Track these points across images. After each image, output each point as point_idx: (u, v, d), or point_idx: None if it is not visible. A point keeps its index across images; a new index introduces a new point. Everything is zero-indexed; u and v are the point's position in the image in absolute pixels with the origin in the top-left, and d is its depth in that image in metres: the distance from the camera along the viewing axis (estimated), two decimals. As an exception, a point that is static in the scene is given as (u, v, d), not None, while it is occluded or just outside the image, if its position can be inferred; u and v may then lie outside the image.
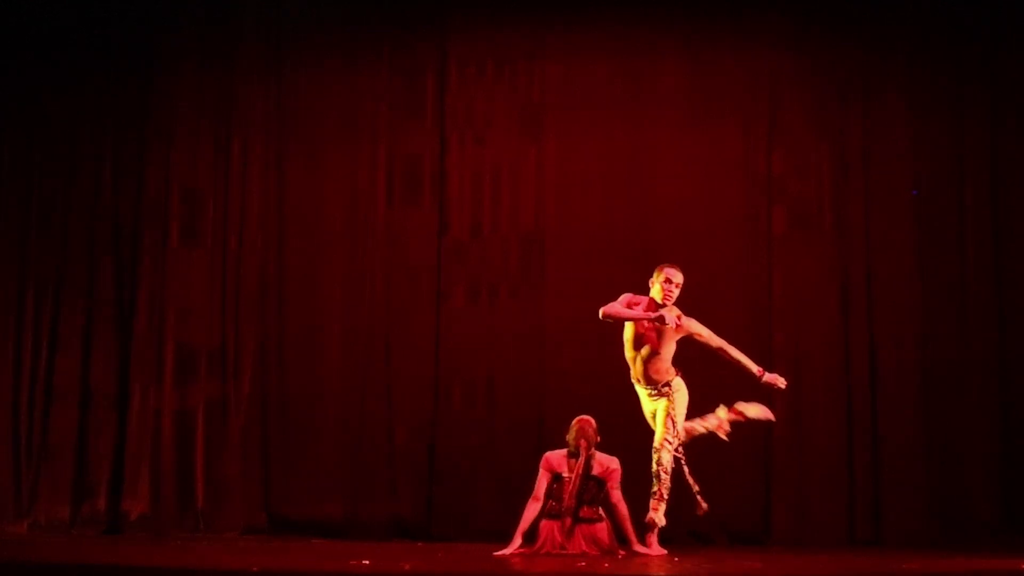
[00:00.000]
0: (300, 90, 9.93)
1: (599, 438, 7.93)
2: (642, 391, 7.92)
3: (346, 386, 9.69)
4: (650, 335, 7.83)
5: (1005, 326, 9.12)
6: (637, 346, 7.87)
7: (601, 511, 7.88)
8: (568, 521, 7.79)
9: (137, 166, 9.94)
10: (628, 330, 7.90)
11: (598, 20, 9.66)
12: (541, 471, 7.90)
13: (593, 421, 7.95)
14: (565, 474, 7.85)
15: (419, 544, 8.90)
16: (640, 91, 9.61)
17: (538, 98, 9.71)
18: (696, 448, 8.67)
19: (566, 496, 7.81)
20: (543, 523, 7.84)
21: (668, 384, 7.82)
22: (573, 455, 7.90)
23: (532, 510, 7.84)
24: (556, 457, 7.94)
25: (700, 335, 7.87)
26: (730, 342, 7.99)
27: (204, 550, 8.18)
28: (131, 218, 9.92)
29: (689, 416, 7.89)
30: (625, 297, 7.88)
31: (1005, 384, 9.08)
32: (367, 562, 7.17)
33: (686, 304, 9.30)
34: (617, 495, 7.89)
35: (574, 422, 7.97)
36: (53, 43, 10.03)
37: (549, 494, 7.86)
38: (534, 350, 9.49)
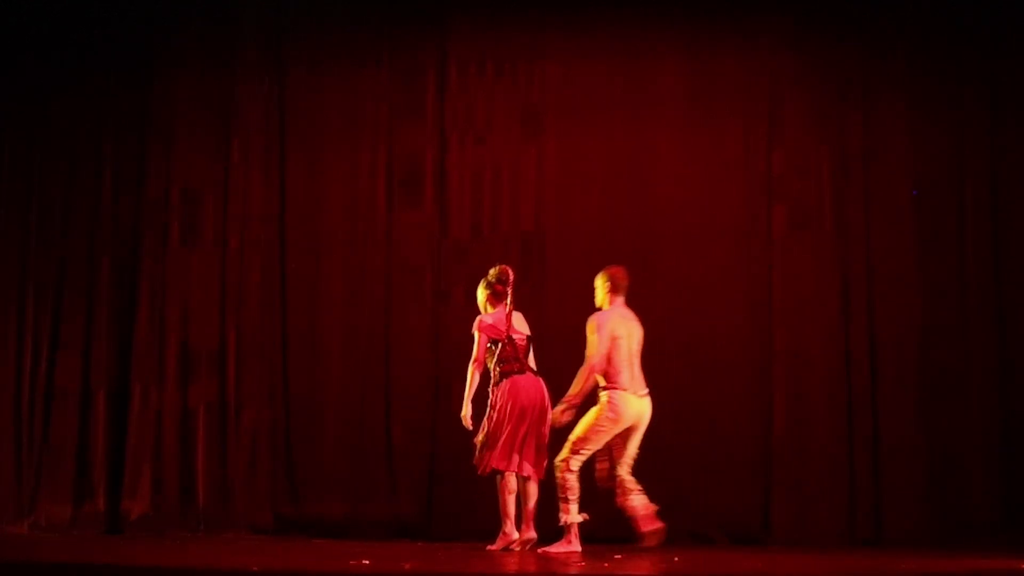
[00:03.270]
0: (300, 90, 9.94)
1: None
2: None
3: (346, 386, 9.69)
4: None
5: (1005, 326, 9.12)
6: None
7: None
8: (531, 375, 8.11)
9: (137, 166, 9.95)
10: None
11: (598, 21, 9.65)
12: (480, 335, 8.11)
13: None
14: (514, 335, 8.12)
15: (419, 544, 8.90)
16: (640, 91, 9.60)
17: (538, 98, 9.70)
18: (696, 448, 8.69)
19: (522, 355, 8.13)
20: (509, 384, 8.05)
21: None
22: (498, 297, 8.17)
23: (476, 375, 8.08)
24: (492, 320, 8.16)
25: None
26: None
27: (204, 550, 8.18)
28: (131, 218, 9.93)
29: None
30: None
31: (1005, 384, 9.07)
32: (367, 562, 7.18)
33: (686, 303, 9.33)
34: None
35: (500, 270, 8.22)
36: (53, 43, 10.03)
37: (505, 356, 8.08)
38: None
